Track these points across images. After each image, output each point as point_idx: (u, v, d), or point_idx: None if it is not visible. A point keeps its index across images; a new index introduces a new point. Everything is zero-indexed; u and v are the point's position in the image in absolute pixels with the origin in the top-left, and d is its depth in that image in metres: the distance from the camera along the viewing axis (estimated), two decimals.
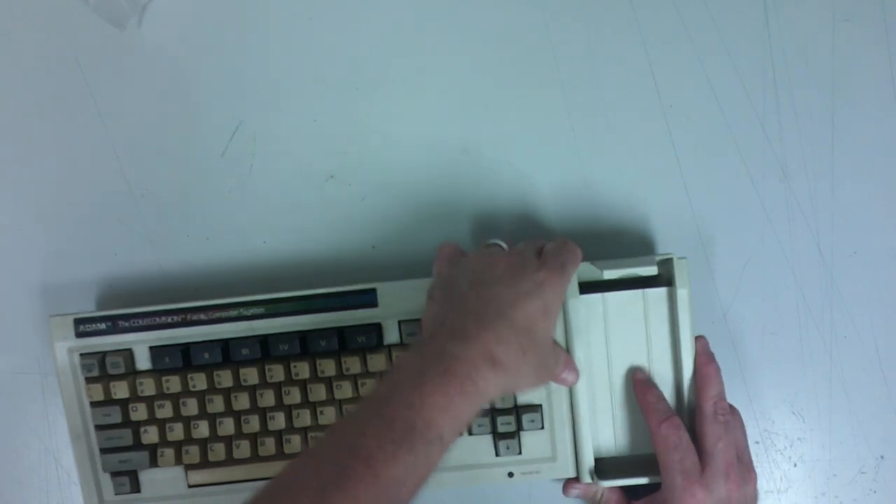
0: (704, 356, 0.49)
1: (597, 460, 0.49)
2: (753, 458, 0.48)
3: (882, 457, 0.54)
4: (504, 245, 0.47)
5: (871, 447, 0.54)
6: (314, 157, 0.54)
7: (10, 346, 0.55)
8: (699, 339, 0.49)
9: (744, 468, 0.46)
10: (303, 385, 0.50)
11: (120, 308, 0.50)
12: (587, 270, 0.48)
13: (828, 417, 0.54)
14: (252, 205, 0.54)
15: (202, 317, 0.49)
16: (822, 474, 0.54)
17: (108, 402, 0.50)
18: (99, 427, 0.50)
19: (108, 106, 0.54)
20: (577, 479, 0.50)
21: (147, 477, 0.51)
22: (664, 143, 0.53)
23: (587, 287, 0.48)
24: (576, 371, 0.46)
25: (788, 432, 0.54)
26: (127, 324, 0.49)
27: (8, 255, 0.54)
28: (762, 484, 0.55)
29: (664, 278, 0.49)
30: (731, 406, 0.49)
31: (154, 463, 0.50)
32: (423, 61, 0.53)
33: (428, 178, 0.54)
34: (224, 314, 0.49)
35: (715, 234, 0.54)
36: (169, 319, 0.49)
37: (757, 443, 0.54)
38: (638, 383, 0.48)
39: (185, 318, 0.49)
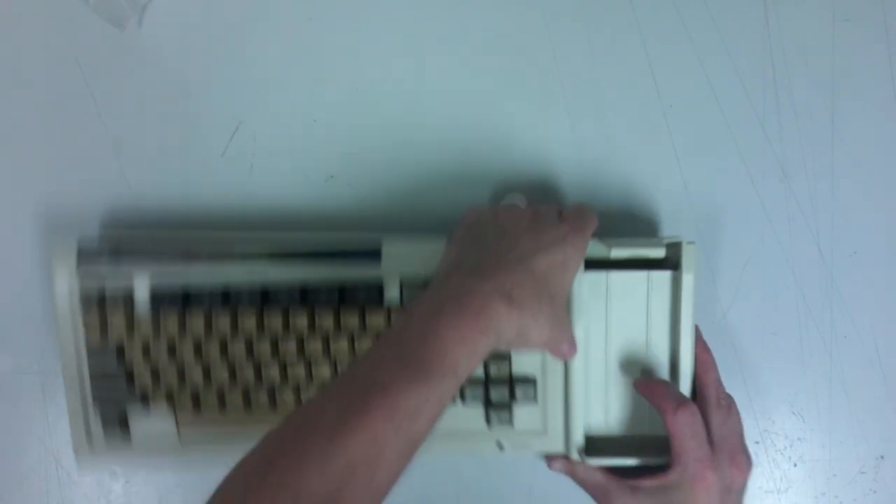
0: (700, 343, 0.49)
1: (586, 438, 0.49)
2: (753, 457, 0.48)
3: (882, 457, 0.54)
4: (521, 203, 0.48)
5: (871, 447, 0.54)
6: (314, 157, 0.54)
7: (10, 347, 0.55)
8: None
9: (745, 456, 0.47)
10: (299, 338, 0.49)
11: (123, 241, 0.49)
12: (594, 247, 0.48)
13: (828, 417, 0.54)
14: (252, 205, 0.54)
15: (205, 253, 0.49)
16: (822, 474, 0.54)
17: (104, 336, 0.49)
18: (92, 360, 0.49)
19: (108, 106, 0.54)
20: (564, 456, 0.50)
21: (137, 422, 0.50)
22: (664, 143, 0.53)
23: (592, 264, 0.48)
24: (574, 346, 0.45)
25: (788, 432, 0.54)
26: (130, 258, 0.48)
27: (7, 256, 0.54)
28: (762, 484, 0.55)
29: (671, 262, 0.49)
30: (728, 394, 0.49)
31: (145, 405, 0.50)
32: (423, 61, 0.53)
33: (428, 178, 0.54)
34: (227, 250, 0.49)
35: (715, 234, 0.54)
36: (172, 252, 0.48)
37: (757, 443, 0.54)
38: (640, 385, 0.48)
39: (188, 252, 0.48)
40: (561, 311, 0.42)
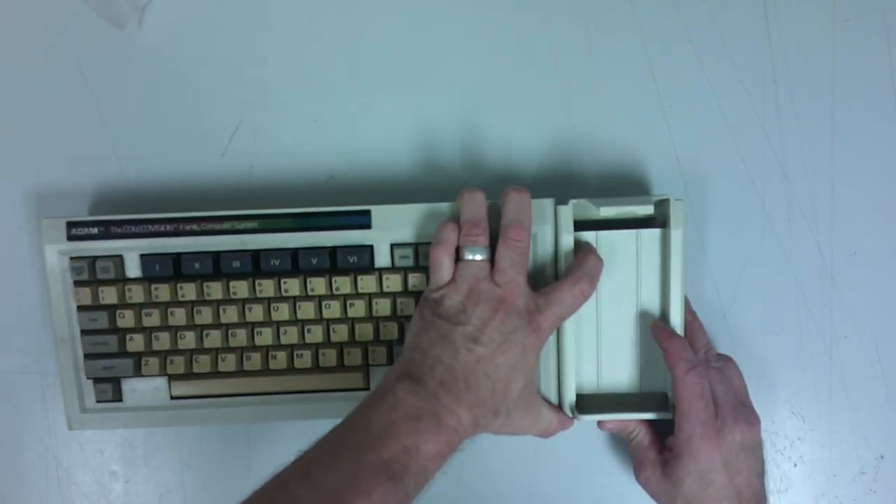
0: (688, 310, 0.50)
1: (578, 396, 0.50)
2: None
3: (882, 457, 0.54)
4: (485, 257, 0.45)
5: (871, 447, 0.54)
6: (314, 157, 0.54)
7: (10, 347, 0.55)
8: None
9: (748, 411, 0.47)
10: (292, 302, 0.49)
11: (113, 214, 0.49)
12: (583, 208, 0.48)
13: (828, 417, 0.54)
14: (252, 205, 0.54)
15: (195, 227, 0.49)
16: (822, 474, 0.54)
17: (96, 307, 0.49)
18: (85, 332, 0.49)
19: (108, 106, 0.54)
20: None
21: (130, 386, 0.50)
22: (664, 143, 0.53)
23: (581, 225, 0.48)
24: (562, 423, 0.49)
25: (788, 432, 0.54)
26: (119, 230, 0.49)
27: (7, 256, 0.54)
28: None
29: (659, 221, 0.49)
30: (724, 355, 0.50)
31: (138, 372, 0.50)
32: (424, 61, 0.54)
33: (429, 177, 0.54)
34: (217, 226, 0.49)
35: (715, 234, 0.54)
36: (161, 228, 0.49)
37: None
38: (658, 329, 0.48)
39: (178, 228, 0.49)
40: (527, 402, 0.46)
